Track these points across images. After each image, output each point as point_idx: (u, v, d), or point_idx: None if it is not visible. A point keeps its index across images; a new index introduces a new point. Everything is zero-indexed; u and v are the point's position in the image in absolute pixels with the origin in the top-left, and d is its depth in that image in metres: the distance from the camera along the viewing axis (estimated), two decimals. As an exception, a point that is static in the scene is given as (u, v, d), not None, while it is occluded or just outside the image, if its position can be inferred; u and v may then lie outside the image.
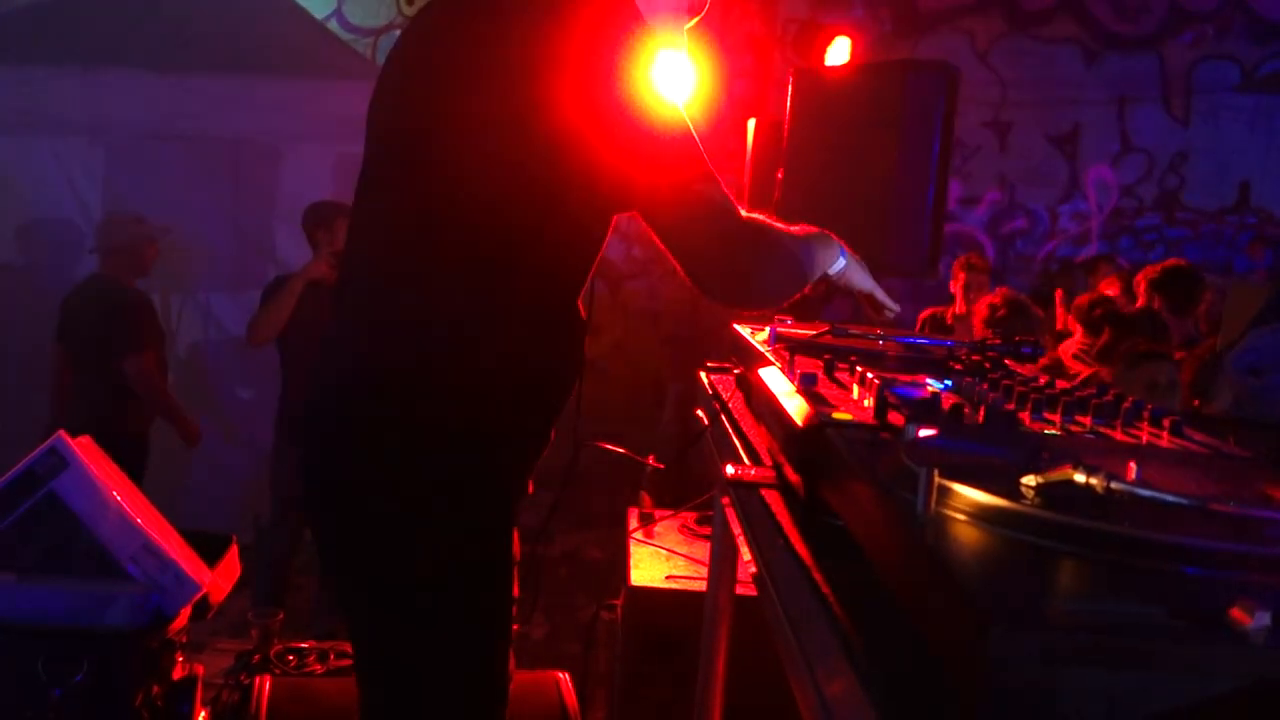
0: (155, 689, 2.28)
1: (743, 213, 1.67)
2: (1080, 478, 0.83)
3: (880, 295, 1.90)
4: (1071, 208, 7.83)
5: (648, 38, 1.60)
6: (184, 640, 2.44)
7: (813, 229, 1.85)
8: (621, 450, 3.79)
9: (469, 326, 1.62)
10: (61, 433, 2.34)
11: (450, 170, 1.63)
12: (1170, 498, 0.77)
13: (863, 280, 1.89)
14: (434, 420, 1.62)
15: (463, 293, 1.62)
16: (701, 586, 2.71)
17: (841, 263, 1.85)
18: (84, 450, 2.36)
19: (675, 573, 3.03)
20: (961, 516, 0.83)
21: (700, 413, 2.24)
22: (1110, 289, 5.63)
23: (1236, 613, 0.63)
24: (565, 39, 1.58)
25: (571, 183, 1.60)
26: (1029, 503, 0.81)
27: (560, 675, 2.59)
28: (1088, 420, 1.25)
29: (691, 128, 1.62)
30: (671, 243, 1.65)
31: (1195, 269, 5.32)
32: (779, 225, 1.76)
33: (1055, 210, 7.84)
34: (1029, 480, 0.84)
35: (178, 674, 2.39)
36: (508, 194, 1.59)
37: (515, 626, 1.76)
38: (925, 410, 1.17)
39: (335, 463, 1.68)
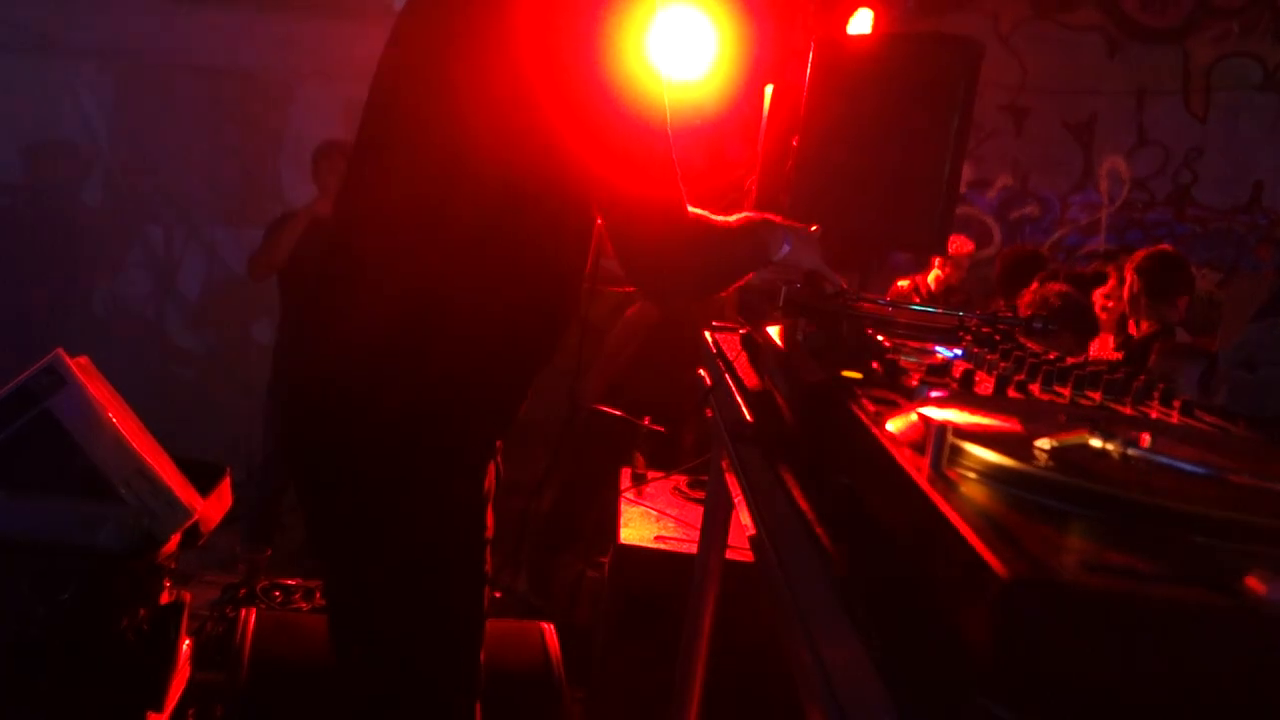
0: (142, 612, 2.29)
1: (689, 211, 1.67)
2: (1096, 442, 0.82)
3: (826, 272, 1.89)
4: (1083, 198, 7.77)
5: (639, 9, 1.58)
6: (173, 566, 2.44)
7: (756, 216, 1.85)
8: (618, 413, 3.78)
9: (457, 296, 1.63)
10: (59, 351, 2.33)
11: (440, 144, 1.63)
12: (1188, 467, 0.76)
13: (810, 259, 1.86)
14: (413, 380, 1.63)
15: (454, 265, 1.62)
16: (690, 549, 2.71)
17: (785, 249, 1.83)
18: (81, 370, 2.35)
19: (664, 534, 3.03)
20: (974, 476, 0.82)
21: (703, 372, 2.23)
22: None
23: (1252, 581, 0.63)
24: (553, 12, 1.56)
25: (552, 165, 1.60)
26: (1043, 465, 0.80)
27: (544, 625, 2.61)
28: (1098, 395, 1.24)
29: (666, 113, 1.61)
30: (616, 235, 1.67)
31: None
32: (719, 221, 1.76)
33: (1066, 199, 7.78)
34: (1043, 443, 0.83)
35: (165, 599, 2.40)
36: (495, 173, 1.59)
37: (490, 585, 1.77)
38: (937, 373, 1.16)
39: (314, 411, 1.69)
